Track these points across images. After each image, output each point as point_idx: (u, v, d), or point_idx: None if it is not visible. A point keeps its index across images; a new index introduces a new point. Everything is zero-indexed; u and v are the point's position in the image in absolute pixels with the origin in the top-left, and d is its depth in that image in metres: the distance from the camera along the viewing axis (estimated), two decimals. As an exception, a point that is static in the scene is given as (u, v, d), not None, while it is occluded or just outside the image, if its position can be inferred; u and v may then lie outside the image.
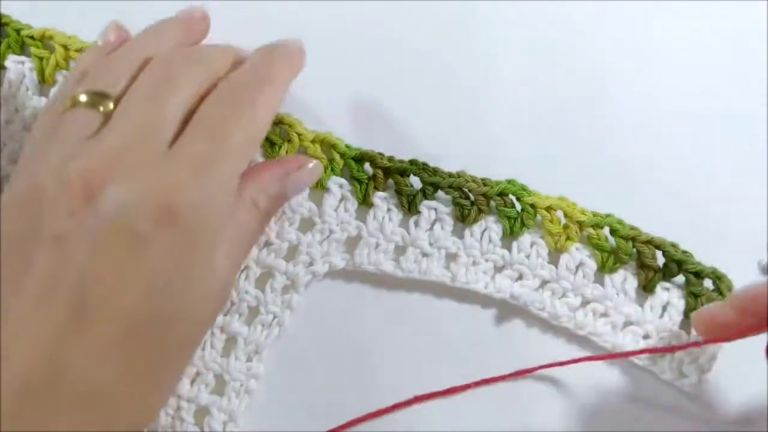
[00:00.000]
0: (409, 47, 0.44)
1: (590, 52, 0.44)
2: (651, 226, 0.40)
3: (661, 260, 0.39)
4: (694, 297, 0.39)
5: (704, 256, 0.40)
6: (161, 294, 0.31)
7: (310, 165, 0.38)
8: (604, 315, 0.39)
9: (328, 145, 0.40)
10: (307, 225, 0.40)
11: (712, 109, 0.43)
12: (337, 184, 0.40)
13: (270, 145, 0.40)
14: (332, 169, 0.40)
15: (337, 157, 0.40)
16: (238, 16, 0.42)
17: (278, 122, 0.40)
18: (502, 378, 0.38)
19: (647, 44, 0.45)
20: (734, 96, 0.44)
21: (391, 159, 0.40)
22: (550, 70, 0.44)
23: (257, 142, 0.36)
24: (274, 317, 0.39)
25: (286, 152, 0.40)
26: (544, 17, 0.45)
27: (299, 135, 0.40)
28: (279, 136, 0.40)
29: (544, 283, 0.39)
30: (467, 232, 0.40)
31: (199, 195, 0.31)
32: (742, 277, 0.39)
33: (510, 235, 0.39)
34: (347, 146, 0.40)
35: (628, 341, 0.39)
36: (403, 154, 0.41)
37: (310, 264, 0.39)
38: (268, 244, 0.39)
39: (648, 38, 0.45)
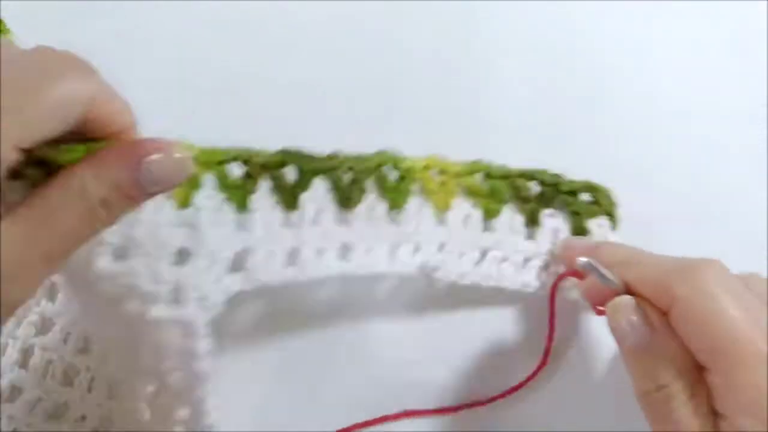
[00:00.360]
0: (408, 48, 0.44)
1: (590, 53, 0.44)
2: (651, 226, 0.40)
3: (538, 190, 0.39)
4: (576, 215, 0.39)
5: (704, 256, 0.39)
6: None
7: (177, 154, 0.29)
8: (504, 259, 0.39)
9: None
10: (182, 256, 0.32)
11: (712, 109, 0.43)
12: (206, 197, 0.33)
13: None
14: (192, 183, 0.33)
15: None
16: (238, 16, 0.43)
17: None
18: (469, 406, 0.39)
19: (647, 44, 0.45)
20: (734, 96, 0.44)
21: (259, 153, 0.34)
22: (549, 70, 0.44)
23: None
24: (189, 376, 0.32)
25: None
26: (544, 17, 0.45)
27: None
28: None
29: (442, 245, 0.38)
30: (354, 216, 0.36)
31: None
32: (742, 277, 0.39)
33: (394, 207, 0.37)
34: (202, 150, 0.33)
35: (532, 277, 0.39)
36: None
37: (203, 299, 0.32)
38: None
39: (648, 38, 0.45)
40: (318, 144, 0.41)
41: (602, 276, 0.34)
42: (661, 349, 0.32)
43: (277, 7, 0.44)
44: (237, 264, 0.33)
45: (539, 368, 0.38)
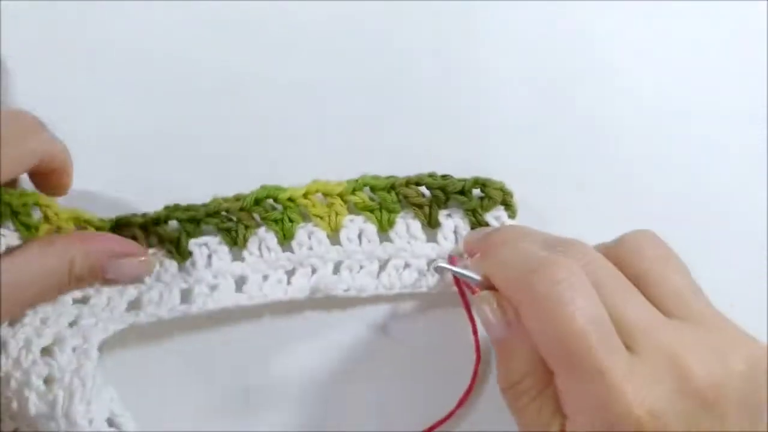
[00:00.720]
0: (408, 48, 0.44)
1: (589, 52, 0.44)
2: (651, 226, 0.40)
3: (429, 194, 0.41)
4: (472, 212, 0.40)
5: (705, 256, 0.39)
6: None
7: (142, 258, 0.38)
8: (407, 266, 0.40)
9: (81, 221, 0.39)
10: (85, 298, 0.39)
11: (712, 109, 0.43)
12: None
13: (26, 228, 0.37)
14: None
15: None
16: (237, 17, 0.43)
17: (34, 203, 0.38)
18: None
19: (647, 44, 0.44)
20: (734, 96, 0.44)
21: (144, 215, 0.39)
22: (549, 70, 0.44)
23: None
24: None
25: (44, 233, 0.38)
26: (543, 17, 0.45)
27: (56, 215, 0.38)
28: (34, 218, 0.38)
29: (338, 264, 0.40)
30: (245, 252, 0.40)
31: None
32: (742, 276, 0.40)
33: (285, 237, 0.40)
34: (101, 220, 0.39)
35: (438, 278, 0.40)
36: (402, 160, 0.41)
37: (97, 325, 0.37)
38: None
39: (648, 38, 0.45)
40: (318, 143, 0.42)
41: (461, 274, 0.37)
42: (515, 346, 0.33)
43: (276, 7, 0.44)
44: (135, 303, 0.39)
45: (475, 373, 0.39)
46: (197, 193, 0.40)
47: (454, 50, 0.44)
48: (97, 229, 0.38)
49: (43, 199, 0.38)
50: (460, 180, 0.40)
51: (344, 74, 0.43)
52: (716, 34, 0.45)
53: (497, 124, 0.43)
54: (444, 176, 0.40)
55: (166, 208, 0.39)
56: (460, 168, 0.41)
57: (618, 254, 0.33)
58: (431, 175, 0.40)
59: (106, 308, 0.38)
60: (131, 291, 0.38)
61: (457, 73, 0.43)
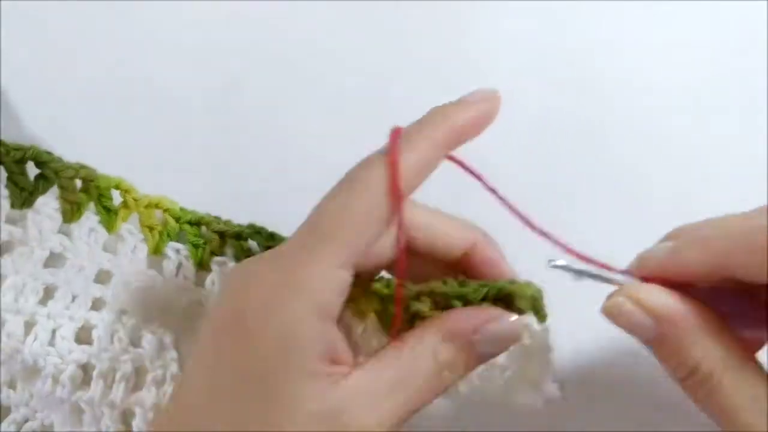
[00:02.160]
0: (407, 48, 0.45)
1: (589, 52, 0.45)
2: (651, 227, 0.40)
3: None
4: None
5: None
6: None
7: (511, 318, 0.32)
8: None
9: (162, 208, 0.39)
10: (104, 275, 0.39)
11: (712, 110, 0.44)
12: (174, 249, 0.39)
13: (106, 211, 0.39)
14: (168, 234, 0.39)
15: (172, 221, 0.39)
16: (237, 16, 0.43)
17: (115, 187, 0.39)
18: None
19: (647, 44, 0.45)
20: (734, 96, 0.44)
21: (227, 223, 0.39)
22: (548, 71, 0.44)
23: None
24: None
25: (123, 218, 0.39)
26: (543, 17, 0.45)
27: (135, 200, 0.39)
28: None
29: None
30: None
31: None
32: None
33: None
34: (182, 209, 0.39)
35: None
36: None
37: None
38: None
39: (647, 38, 0.45)
40: (317, 144, 0.42)
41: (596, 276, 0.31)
42: (673, 339, 0.30)
43: (277, 7, 0.44)
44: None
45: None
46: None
47: (454, 50, 0.44)
48: (177, 219, 0.38)
49: (124, 184, 0.39)
50: (482, 286, 0.32)
51: (343, 75, 0.43)
52: (716, 35, 0.45)
53: (498, 125, 0.43)
54: (462, 283, 0.33)
55: (251, 227, 0.38)
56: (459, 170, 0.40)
57: None
58: (445, 282, 0.33)
59: None
60: (192, 293, 0.39)
61: (456, 74, 0.44)
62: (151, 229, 0.39)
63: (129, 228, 0.40)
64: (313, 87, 0.42)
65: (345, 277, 0.30)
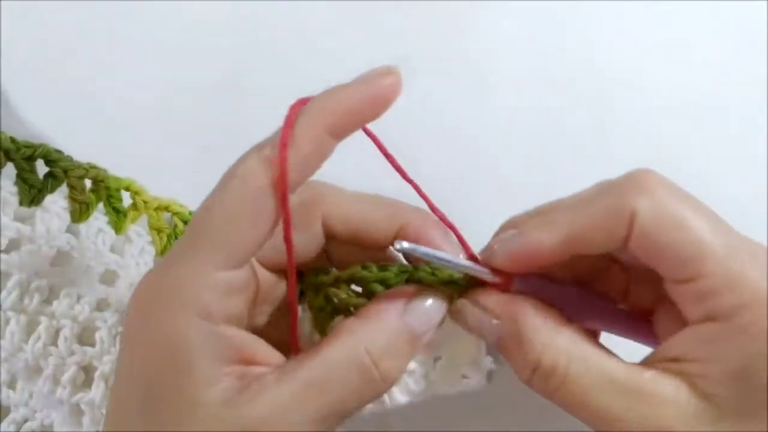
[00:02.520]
0: (407, 48, 0.45)
1: (589, 52, 0.45)
2: None
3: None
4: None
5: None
6: None
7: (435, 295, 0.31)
8: None
9: (172, 212, 0.39)
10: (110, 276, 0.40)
11: (712, 110, 0.44)
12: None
13: (115, 212, 0.38)
14: (176, 237, 0.38)
15: (181, 225, 0.38)
16: (237, 16, 0.44)
17: (125, 188, 0.39)
18: None
19: (646, 44, 0.45)
20: (734, 96, 0.44)
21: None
22: (548, 71, 0.44)
23: None
24: None
25: (132, 220, 0.39)
26: (543, 17, 0.45)
27: (145, 202, 0.38)
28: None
29: None
30: None
31: None
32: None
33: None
34: (191, 213, 0.38)
35: None
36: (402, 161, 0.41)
37: None
38: None
39: (647, 39, 0.45)
40: None
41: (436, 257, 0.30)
42: (515, 332, 0.29)
43: (277, 7, 0.44)
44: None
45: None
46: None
47: (454, 50, 0.44)
48: (185, 222, 0.38)
49: (134, 186, 0.38)
50: (402, 271, 0.31)
51: (343, 75, 0.43)
52: (716, 35, 0.45)
53: (497, 126, 0.43)
54: (383, 267, 0.31)
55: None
56: (460, 169, 0.41)
57: None
58: (366, 267, 0.31)
59: None
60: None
61: (457, 74, 0.44)
62: (159, 231, 0.39)
63: (137, 230, 0.40)
64: (313, 87, 0.42)
65: (227, 278, 0.28)
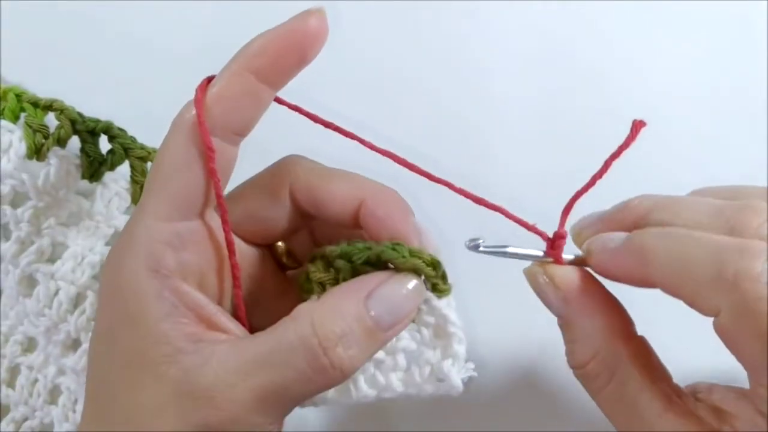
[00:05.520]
0: (407, 48, 0.45)
1: (589, 52, 0.44)
2: None
3: None
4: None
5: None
6: None
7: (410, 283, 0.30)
8: None
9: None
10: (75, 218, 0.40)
11: (712, 110, 0.43)
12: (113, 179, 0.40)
13: None
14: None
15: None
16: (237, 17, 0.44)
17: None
18: None
19: (647, 46, 0.45)
20: (734, 96, 0.44)
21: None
22: (547, 71, 0.44)
23: None
24: None
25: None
26: (543, 17, 0.45)
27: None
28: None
29: None
30: None
31: None
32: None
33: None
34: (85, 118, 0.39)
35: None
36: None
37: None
38: None
39: (647, 40, 0.45)
40: (316, 142, 0.41)
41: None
42: (576, 325, 0.30)
43: (277, 7, 0.44)
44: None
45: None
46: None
47: (454, 50, 0.44)
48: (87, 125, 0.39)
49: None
50: (366, 248, 0.30)
51: (343, 75, 0.44)
52: (716, 35, 0.45)
53: (498, 124, 0.43)
54: (350, 243, 0.31)
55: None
56: (459, 170, 0.37)
57: None
58: (338, 244, 0.31)
59: None
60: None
61: (457, 73, 0.44)
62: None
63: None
64: (313, 87, 0.41)
65: (176, 229, 0.29)
